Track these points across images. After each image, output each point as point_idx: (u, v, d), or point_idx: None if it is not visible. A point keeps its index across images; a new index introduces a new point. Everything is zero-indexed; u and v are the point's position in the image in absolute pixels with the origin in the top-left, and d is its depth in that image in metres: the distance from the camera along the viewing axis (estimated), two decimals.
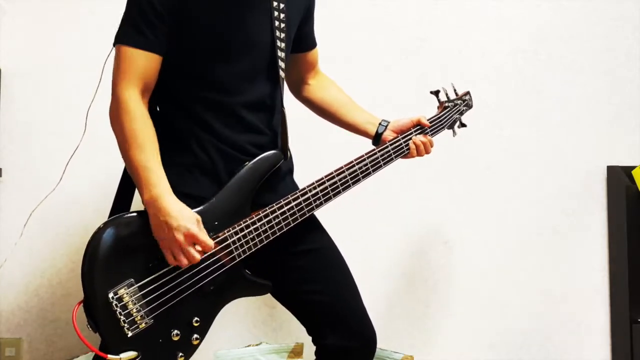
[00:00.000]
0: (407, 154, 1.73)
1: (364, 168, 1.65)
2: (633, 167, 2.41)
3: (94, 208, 2.27)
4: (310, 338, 1.69)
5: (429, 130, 1.77)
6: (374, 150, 1.68)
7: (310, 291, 1.63)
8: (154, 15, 1.48)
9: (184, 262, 1.44)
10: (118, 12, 1.54)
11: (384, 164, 1.68)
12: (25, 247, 2.30)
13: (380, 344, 2.21)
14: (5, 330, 2.31)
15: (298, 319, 1.68)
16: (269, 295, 1.69)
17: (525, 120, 2.52)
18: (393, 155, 1.70)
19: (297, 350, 2.20)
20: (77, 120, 2.31)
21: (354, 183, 1.64)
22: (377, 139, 1.77)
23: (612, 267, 2.49)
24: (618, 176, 2.45)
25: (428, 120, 1.78)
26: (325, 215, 1.74)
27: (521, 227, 2.50)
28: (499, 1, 2.53)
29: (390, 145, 1.70)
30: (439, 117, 1.82)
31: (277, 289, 1.66)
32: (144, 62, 1.49)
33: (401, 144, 1.71)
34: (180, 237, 1.42)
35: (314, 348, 1.70)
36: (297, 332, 1.72)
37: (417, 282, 2.47)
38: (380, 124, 1.78)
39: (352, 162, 1.65)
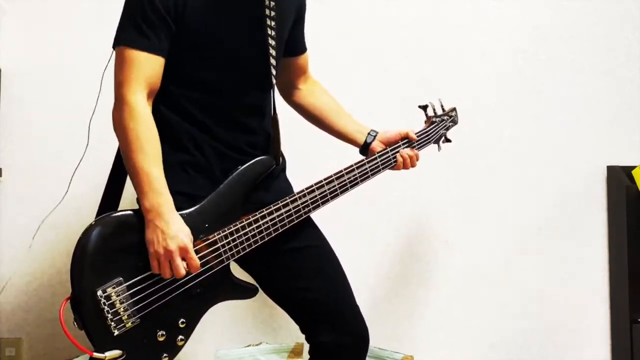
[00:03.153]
0: (394, 166, 1.75)
1: (352, 178, 1.67)
2: (633, 167, 2.41)
3: (94, 207, 2.27)
4: (305, 338, 1.70)
5: (416, 144, 1.79)
6: (362, 161, 1.70)
7: (302, 288, 1.64)
8: (156, 17, 1.48)
9: (168, 273, 1.44)
10: (119, 12, 1.54)
11: (372, 175, 1.71)
12: (25, 247, 2.30)
13: (380, 344, 2.22)
14: (5, 330, 2.31)
15: (291, 316, 1.69)
16: (265, 294, 1.70)
17: (525, 120, 2.52)
18: (381, 167, 1.72)
19: (297, 350, 2.20)
20: (77, 120, 2.32)
21: (342, 192, 1.66)
22: (365, 148, 1.79)
23: (612, 267, 2.49)
24: (618, 176, 2.45)
25: (415, 134, 1.80)
26: (325, 215, 1.74)
27: (521, 227, 2.50)
28: (499, 1, 2.53)
29: (379, 156, 1.72)
30: (426, 132, 1.84)
31: (269, 286, 1.67)
32: (149, 65, 1.49)
33: (389, 156, 1.74)
34: (173, 246, 1.42)
35: None
36: (297, 332, 1.71)
37: (417, 282, 2.47)
38: (369, 133, 1.79)
39: (341, 171, 1.67)
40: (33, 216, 2.31)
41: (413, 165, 1.77)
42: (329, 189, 1.64)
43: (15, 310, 2.31)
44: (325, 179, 1.64)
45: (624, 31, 2.56)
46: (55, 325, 2.31)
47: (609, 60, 2.55)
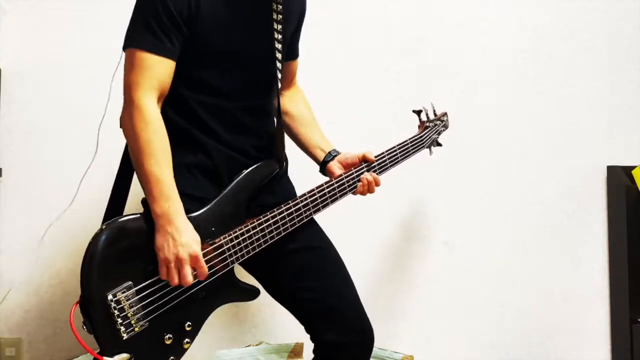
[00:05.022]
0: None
1: (351, 183, 1.70)
2: (633, 167, 2.41)
3: (94, 208, 2.27)
4: (309, 337, 1.70)
5: (376, 165, 1.75)
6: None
7: (306, 288, 1.65)
8: (169, 20, 1.47)
9: (176, 280, 1.44)
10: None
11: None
12: (24, 246, 2.30)
13: (380, 344, 2.22)
14: (5, 330, 2.31)
15: (295, 316, 1.69)
16: (269, 295, 1.70)
17: (525, 120, 2.52)
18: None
19: (297, 350, 2.20)
20: (77, 120, 2.32)
21: (341, 196, 1.68)
22: (322, 166, 1.78)
23: (612, 267, 2.49)
24: (618, 176, 2.45)
25: (410, 139, 1.83)
26: (325, 215, 1.74)
27: (521, 227, 2.50)
28: (499, 1, 2.53)
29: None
30: (420, 137, 1.89)
31: (273, 287, 1.68)
32: (161, 69, 1.48)
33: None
34: (184, 254, 1.42)
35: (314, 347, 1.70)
36: (297, 332, 1.72)
37: (417, 282, 2.47)
38: (329, 152, 1.78)
39: (340, 175, 1.69)
40: (33, 216, 2.31)
41: (371, 191, 1.73)
42: (328, 192, 1.66)
43: (15, 311, 2.31)
44: (325, 183, 1.67)
45: (624, 31, 2.56)
46: (55, 326, 2.32)
47: (609, 60, 2.55)
